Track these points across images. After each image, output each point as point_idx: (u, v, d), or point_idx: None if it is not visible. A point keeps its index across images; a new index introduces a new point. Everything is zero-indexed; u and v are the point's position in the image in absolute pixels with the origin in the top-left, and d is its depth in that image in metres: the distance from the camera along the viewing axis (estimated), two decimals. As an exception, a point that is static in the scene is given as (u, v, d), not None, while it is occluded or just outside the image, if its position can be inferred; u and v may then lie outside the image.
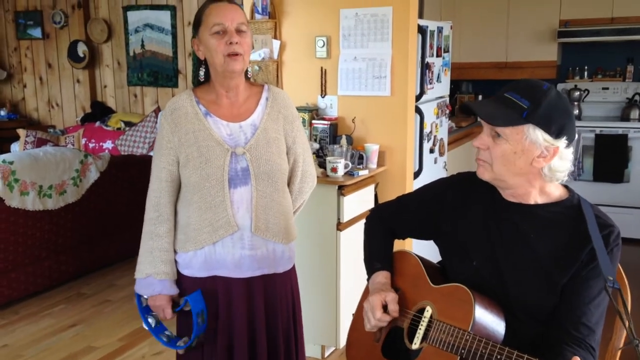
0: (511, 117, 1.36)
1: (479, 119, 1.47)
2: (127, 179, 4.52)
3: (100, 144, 6.13)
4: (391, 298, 1.57)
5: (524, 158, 1.38)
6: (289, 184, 2.00)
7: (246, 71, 1.90)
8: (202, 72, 1.88)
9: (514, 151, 1.38)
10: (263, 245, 1.86)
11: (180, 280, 1.90)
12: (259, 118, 1.87)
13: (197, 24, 1.83)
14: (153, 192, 1.89)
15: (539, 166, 1.39)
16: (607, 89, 5.53)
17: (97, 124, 6.34)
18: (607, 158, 5.07)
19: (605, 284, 1.31)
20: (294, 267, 2.02)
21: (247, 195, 1.82)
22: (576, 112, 5.50)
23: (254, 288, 1.88)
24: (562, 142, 1.37)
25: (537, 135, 1.36)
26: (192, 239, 1.84)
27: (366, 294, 1.71)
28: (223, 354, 1.87)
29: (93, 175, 4.18)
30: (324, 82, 3.48)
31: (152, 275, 1.85)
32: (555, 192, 1.46)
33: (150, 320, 1.92)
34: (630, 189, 5.06)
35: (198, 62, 1.88)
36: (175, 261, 1.90)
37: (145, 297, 1.89)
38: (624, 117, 5.29)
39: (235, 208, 1.81)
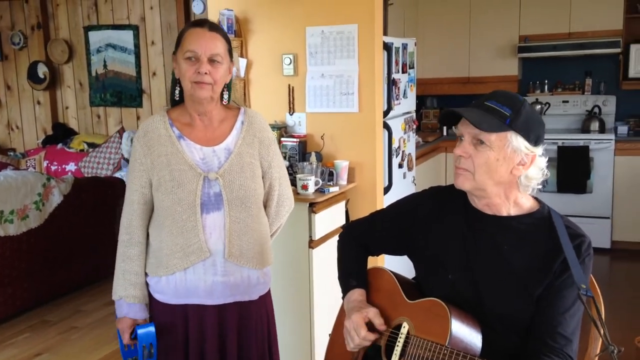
0: (496, 123, 1.38)
1: (456, 129, 1.47)
2: (92, 201, 4.42)
3: (63, 166, 6.00)
4: (373, 313, 1.55)
5: (505, 166, 1.41)
6: (265, 208, 1.97)
7: (222, 95, 1.87)
8: (177, 91, 1.86)
9: (496, 158, 1.40)
10: (237, 272, 1.83)
11: (152, 304, 1.87)
12: (234, 142, 1.84)
13: (177, 43, 1.81)
14: (125, 214, 1.86)
15: (518, 174, 1.42)
16: (567, 102, 5.68)
17: (59, 146, 6.20)
18: (570, 169, 5.19)
19: (578, 292, 1.32)
20: (269, 292, 1.99)
21: (220, 221, 1.79)
22: (538, 125, 5.63)
23: (226, 315, 1.85)
24: (540, 149, 1.42)
25: (519, 142, 1.39)
26: (163, 264, 1.81)
27: (342, 312, 1.69)
28: None
29: (56, 198, 4.08)
30: (291, 99, 3.48)
31: (123, 298, 1.84)
32: (527, 203, 1.48)
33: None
34: (593, 199, 5.18)
35: (174, 81, 1.86)
36: (147, 284, 1.87)
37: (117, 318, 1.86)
38: (585, 129, 5.43)
39: (208, 233, 1.78)
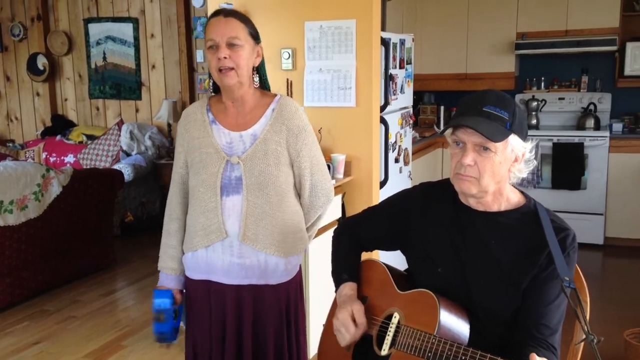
0: (501, 130, 1.42)
1: (453, 135, 1.47)
2: (90, 193, 4.45)
3: (62, 157, 6.03)
4: (357, 310, 1.59)
5: (505, 166, 1.46)
6: (300, 198, 1.99)
7: (260, 80, 1.93)
8: (210, 84, 1.96)
9: (499, 161, 1.44)
10: (253, 255, 1.87)
11: (185, 279, 1.99)
12: (261, 128, 1.88)
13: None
14: (169, 191, 2.00)
15: (513, 170, 1.47)
16: (563, 99, 5.71)
17: (58, 137, 6.24)
18: (564, 166, 5.23)
19: (562, 284, 1.36)
20: (295, 280, 2.00)
21: (239, 204, 1.85)
22: (534, 121, 5.68)
23: (242, 296, 1.90)
24: (529, 144, 1.47)
25: (517, 142, 1.44)
26: (189, 241, 1.92)
27: (335, 306, 1.73)
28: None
29: (55, 189, 4.11)
30: (290, 93, 3.51)
31: (162, 270, 1.98)
32: (514, 197, 1.52)
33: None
34: (587, 195, 5.22)
35: (210, 75, 1.93)
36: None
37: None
38: (580, 126, 5.47)
39: (227, 215, 1.85)
